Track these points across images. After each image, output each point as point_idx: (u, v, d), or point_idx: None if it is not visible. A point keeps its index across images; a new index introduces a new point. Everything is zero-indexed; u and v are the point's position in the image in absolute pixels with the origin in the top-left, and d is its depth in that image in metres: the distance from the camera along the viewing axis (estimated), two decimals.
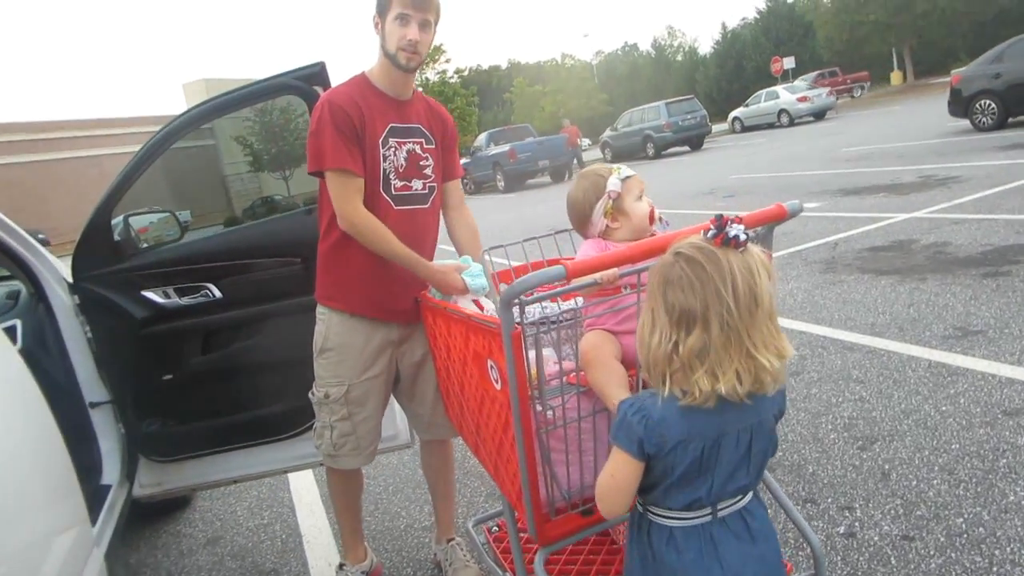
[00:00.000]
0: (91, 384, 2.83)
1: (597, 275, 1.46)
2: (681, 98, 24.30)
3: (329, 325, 2.23)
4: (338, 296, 2.22)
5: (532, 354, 1.56)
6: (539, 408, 1.62)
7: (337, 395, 2.24)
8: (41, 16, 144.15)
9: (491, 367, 1.71)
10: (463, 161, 24.76)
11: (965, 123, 12.64)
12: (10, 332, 2.67)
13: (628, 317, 1.73)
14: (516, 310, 1.45)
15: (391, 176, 2.14)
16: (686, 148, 23.48)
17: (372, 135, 2.09)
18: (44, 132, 41.31)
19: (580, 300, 1.84)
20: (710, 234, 1.21)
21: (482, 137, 23.82)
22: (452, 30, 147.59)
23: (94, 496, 2.63)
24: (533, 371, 1.57)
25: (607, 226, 1.83)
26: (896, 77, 37.49)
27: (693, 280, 1.18)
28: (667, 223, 1.89)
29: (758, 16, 45.59)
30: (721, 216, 1.22)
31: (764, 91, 27.97)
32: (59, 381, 2.77)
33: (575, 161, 22.23)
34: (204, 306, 2.71)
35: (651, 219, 1.84)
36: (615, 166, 1.87)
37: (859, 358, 3.72)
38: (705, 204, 10.11)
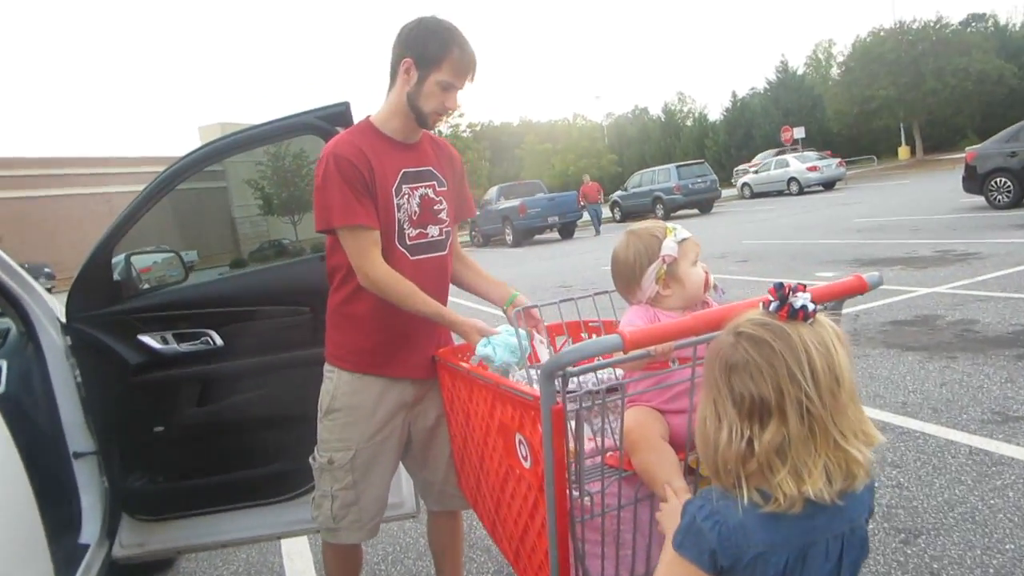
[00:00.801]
0: (77, 432, 2.63)
1: (652, 347, 1.29)
2: (692, 162, 24.54)
3: (337, 384, 2.05)
4: (348, 355, 2.05)
5: (570, 430, 1.38)
6: (575, 494, 1.43)
7: (342, 461, 2.04)
8: (57, 54, 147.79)
9: (520, 442, 1.52)
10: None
11: (979, 200, 12.59)
12: None
13: (678, 394, 1.55)
14: (559, 381, 1.27)
15: (405, 225, 1.99)
16: (696, 211, 23.55)
17: (384, 185, 1.93)
18: (54, 168, 41.78)
19: (619, 372, 1.67)
20: (773, 307, 1.04)
21: (492, 191, 23.90)
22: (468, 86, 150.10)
23: (70, 556, 2.41)
24: (571, 447, 1.39)
25: (658, 293, 1.66)
26: (904, 152, 37.82)
27: (761, 363, 1.01)
28: (723, 291, 1.73)
29: (768, 86, 46.42)
30: (782, 284, 1.05)
31: (773, 159, 28.22)
32: (42, 428, 2.58)
33: (596, 218, 22.14)
34: (203, 354, 2.53)
35: (706, 286, 1.67)
36: (670, 225, 1.70)
37: (892, 439, 3.50)
38: (718, 268, 9.97)
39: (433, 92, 1.90)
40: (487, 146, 42.65)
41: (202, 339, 2.54)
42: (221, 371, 2.54)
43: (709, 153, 44.44)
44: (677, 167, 23.41)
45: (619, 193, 26.02)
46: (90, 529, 2.58)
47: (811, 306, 1.03)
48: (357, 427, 2.04)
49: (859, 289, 1.38)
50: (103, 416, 2.59)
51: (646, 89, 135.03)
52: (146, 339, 2.54)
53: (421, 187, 2.02)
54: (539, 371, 1.30)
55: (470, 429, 1.88)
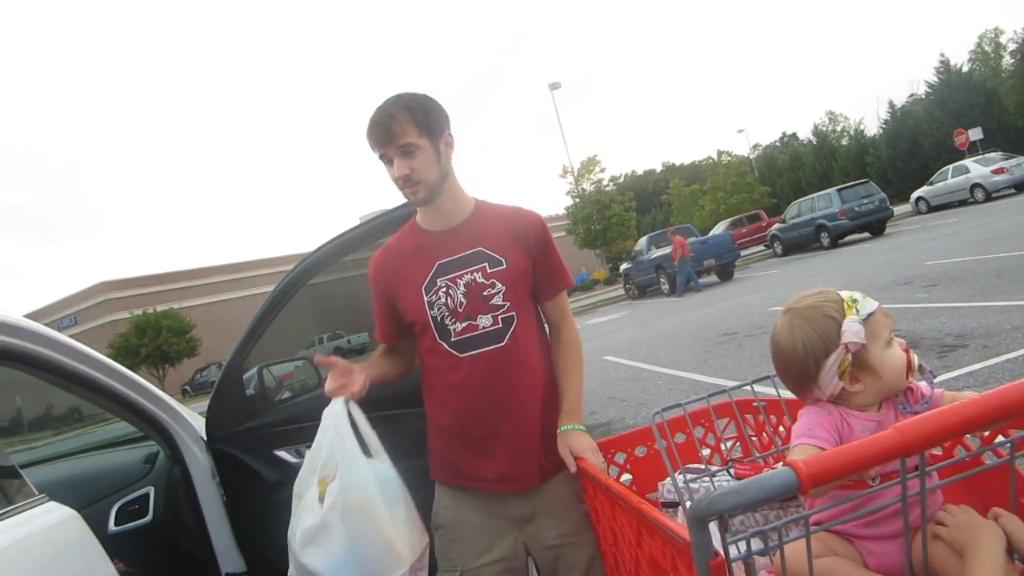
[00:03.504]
0: (228, 553, 2.57)
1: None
2: (854, 183, 22.76)
3: (439, 498, 1.87)
4: (437, 464, 1.87)
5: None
6: None
7: None
8: (236, 161, 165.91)
9: None
10: (624, 267, 24.44)
11: None
12: (142, 501, 2.49)
13: (882, 517, 1.17)
14: (715, 527, 0.95)
15: (447, 321, 1.77)
16: (866, 235, 21.72)
17: (411, 285, 1.83)
18: (239, 272, 46.45)
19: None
20: None
21: (642, 241, 23.48)
22: (605, 140, 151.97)
23: None
24: None
25: (843, 390, 1.27)
26: None
27: None
28: (932, 373, 1.31)
29: (930, 90, 42.83)
30: None
31: (950, 167, 25.64)
32: (192, 552, 2.54)
33: (688, 281, 19.78)
34: None
35: (909, 370, 1.26)
36: (847, 294, 1.28)
37: None
38: (903, 296, 8.91)
39: (387, 172, 1.77)
40: (632, 196, 42.27)
41: None
42: None
43: (871, 171, 41.32)
44: (839, 190, 21.78)
45: (778, 226, 24.63)
46: None
47: None
48: (460, 546, 1.83)
49: None
50: (248, 536, 2.51)
51: (791, 114, 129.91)
52: (282, 454, 2.45)
53: (466, 273, 1.79)
54: (687, 508, 0.98)
55: (619, 552, 1.56)
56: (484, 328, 1.78)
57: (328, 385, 1.83)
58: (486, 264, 1.80)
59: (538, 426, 1.80)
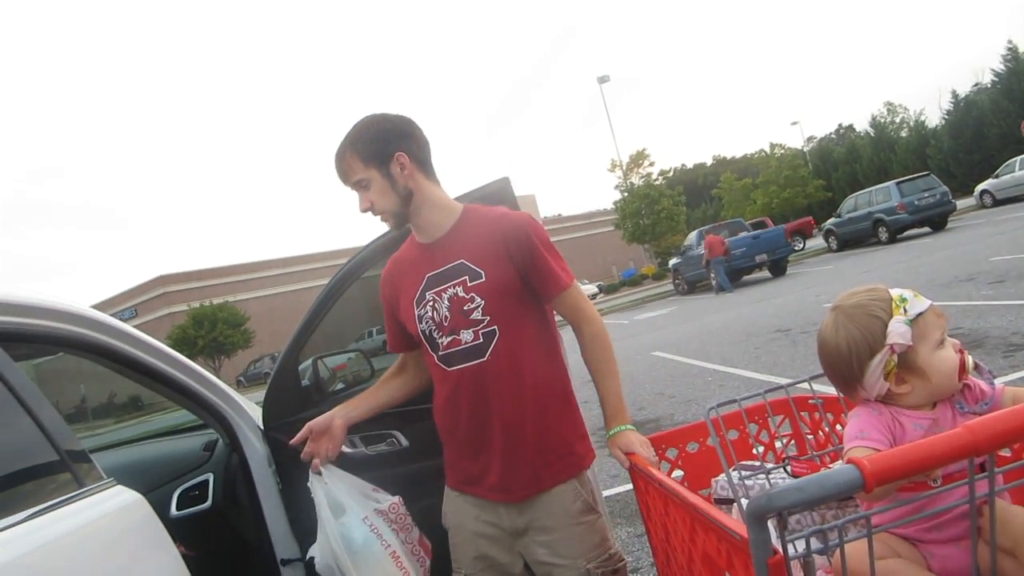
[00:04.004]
0: (283, 539, 2.63)
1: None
2: (915, 176, 22.04)
3: (445, 501, 1.92)
4: (447, 468, 1.93)
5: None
6: None
7: None
8: (291, 156, 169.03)
9: None
10: (673, 262, 24.14)
11: None
12: (202, 487, 2.57)
13: (947, 521, 1.13)
14: (774, 524, 0.93)
15: (436, 335, 1.77)
16: (926, 229, 21.03)
17: (406, 299, 1.85)
18: (294, 266, 47.48)
19: None
20: None
21: (692, 235, 23.15)
22: (654, 133, 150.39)
23: None
24: None
25: (889, 390, 1.23)
26: None
27: None
28: (991, 373, 1.26)
29: (996, 79, 41.16)
30: None
31: (1017, 159, 24.61)
32: (249, 537, 2.61)
33: (715, 280, 19.57)
34: (388, 457, 2.42)
35: (961, 371, 1.21)
36: (897, 293, 1.24)
37: None
38: (965, 294, 8.59)
39: None
40: (682, 190, 41.72)
41: (388, 440, 2.44)
42: (406, 475, 2.42)
43: (932, 163, 40.00)
44: (898, 183, 21.11)
45: (832, 220, 24.01)
46: None
47: None
48: (460, 548, 1.87)
49: None
50: (304, 523, 2.56)
51: (848, 105, 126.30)
52: None
53: (449, 287, 1.77)
54: (744, 505, 0.96)
55: (671, 548, 1.54)
56: (466, 343, 1.74)
57: (304, 452, 1.96)
58: (466, 277, 1.75)
59: (530, 438, 1.75)
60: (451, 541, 1.91)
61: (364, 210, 1.77)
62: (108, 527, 1.48)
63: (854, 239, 22.27)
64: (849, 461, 0.84)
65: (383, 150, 1.74)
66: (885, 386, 1.23)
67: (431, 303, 1.78)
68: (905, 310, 1.21)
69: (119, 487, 1.59)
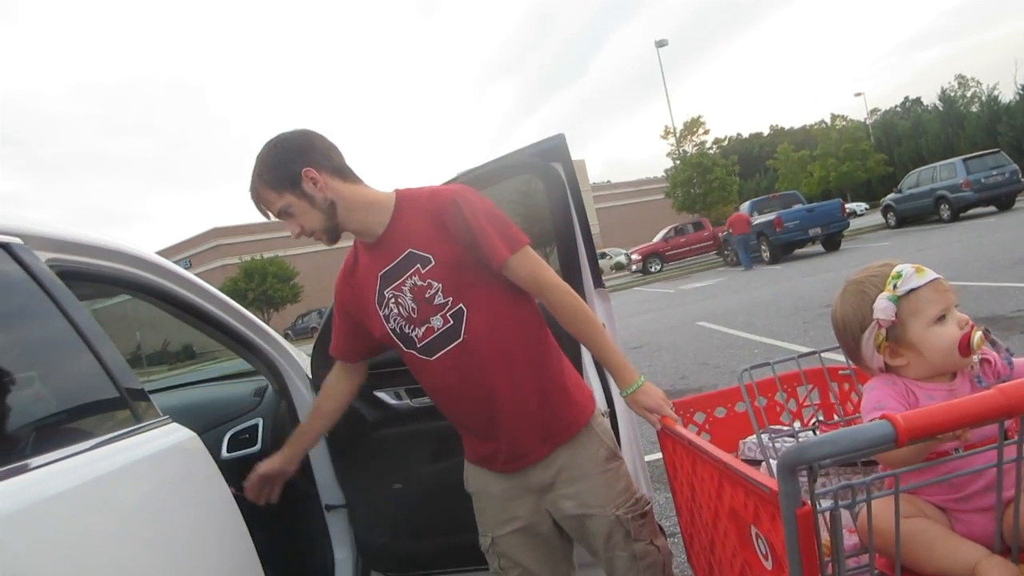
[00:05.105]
0: (328, 485, 2.71)
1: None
2: (983, 152, 21.15)
3: (465, 469, 1.96)
4: (465, 445, 1.96)
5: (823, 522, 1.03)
6: None
7: (485, 546, 1.90)
8: (336, 116, 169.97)
9: (756, 536, 1.19)
10: (724, 233, 23.73)
11: None
12: (251, 431, 2.65)
13: (975, 493, 1.16)
14: (804, 477, 0.93)
15: (406, 330, 1.75)
16: (992, 208, 20.23)
17: (368, 306, 1.82)
18: None
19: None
20: None
21: (745, 206, 22.67)
22: (710, 101, 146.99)
23: None
24: (824, 539, 1.02)
25: (885, 363, 1.28)
26: None
27: None
28: (1008, 351, 1.26)
29: None
30: None
31: None
32: (295, 482, 2.69)
33: (745, 253, 19.80)
34: (432, 409, 2.46)
35: (963, 349, 1.21)
36: (899, 268, 1.25)
37: None
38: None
39: None
40: (736, 160, 40.78)
41: None
42: (451, 426, 2.46)
43: (1003, 140, 38.23)
44: (964, 160, 20.27)
45: (892, 196, 23.25)
46: None
47: None
48: (488, 513, 1.89)
49: None
50: (347, 471, 2.63)
51: (917, 78, 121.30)
52: (381, 395, 2.54)
53: (407, 279, 1.73)
54: (776, 459, 0.97)
55: (696, 506, 1.57)
56: (439, 329, 1.73)
57: (248, 494, 2.08)
58: (419, 265, 1.72)
59: (530, 402, 1.75)
60: (476, 506, 1.95)
61: (297, 235, 1.75)
62: (164, 461, 1.54)
63: (914, 216, 21.57)
64: (884, 416, 0.85)
65: (289, 172, 1.69)
66: (880, 359, 1.29)
67: (393, 300, 1.76)
68: (895, 286, 1.24)
69: (174, 424, 1.65)
